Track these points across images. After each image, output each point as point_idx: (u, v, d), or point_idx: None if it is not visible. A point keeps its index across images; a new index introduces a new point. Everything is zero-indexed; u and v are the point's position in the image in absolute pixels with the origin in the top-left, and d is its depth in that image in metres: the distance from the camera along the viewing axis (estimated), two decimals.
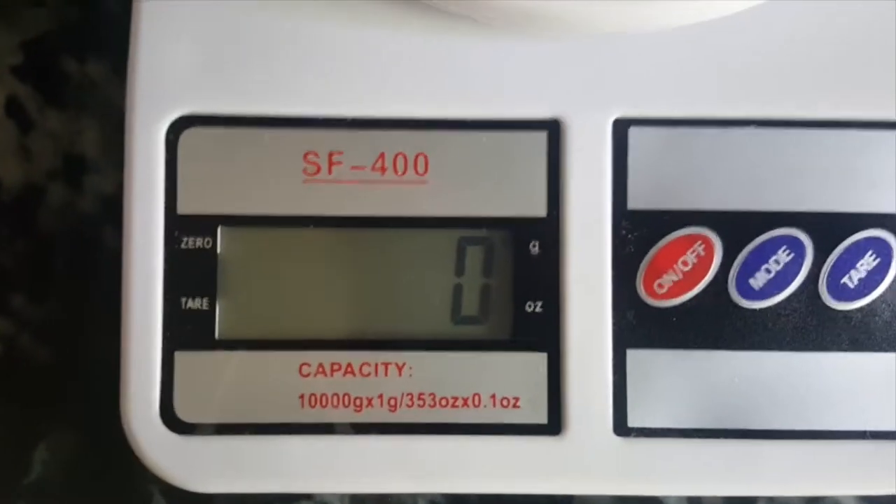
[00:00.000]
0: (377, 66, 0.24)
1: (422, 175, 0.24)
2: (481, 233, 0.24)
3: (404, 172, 0.24)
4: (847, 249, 0.23)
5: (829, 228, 0.23)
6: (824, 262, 0.23)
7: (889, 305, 0.23)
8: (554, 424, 0.23)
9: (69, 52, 0.29)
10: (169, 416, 0.23)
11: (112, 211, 0.26)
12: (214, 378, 0.23)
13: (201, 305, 0.23)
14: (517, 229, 0.24)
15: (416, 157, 0.24)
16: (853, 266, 0.23)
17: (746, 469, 0.23)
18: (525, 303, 0.23)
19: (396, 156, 0.24)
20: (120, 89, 0.24)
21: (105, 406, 0.24)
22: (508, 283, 0.23)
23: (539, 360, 0.23)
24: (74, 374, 0.28)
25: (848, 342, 0.23)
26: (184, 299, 0.23)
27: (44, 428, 0.28)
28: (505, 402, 0.23)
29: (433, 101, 0.24)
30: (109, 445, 0.26)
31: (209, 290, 0.23)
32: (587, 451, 0.23)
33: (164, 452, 0.23)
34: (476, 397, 0.23)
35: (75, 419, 0.28)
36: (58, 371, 0.28)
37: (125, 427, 0.23)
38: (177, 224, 0.23)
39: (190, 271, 0.23)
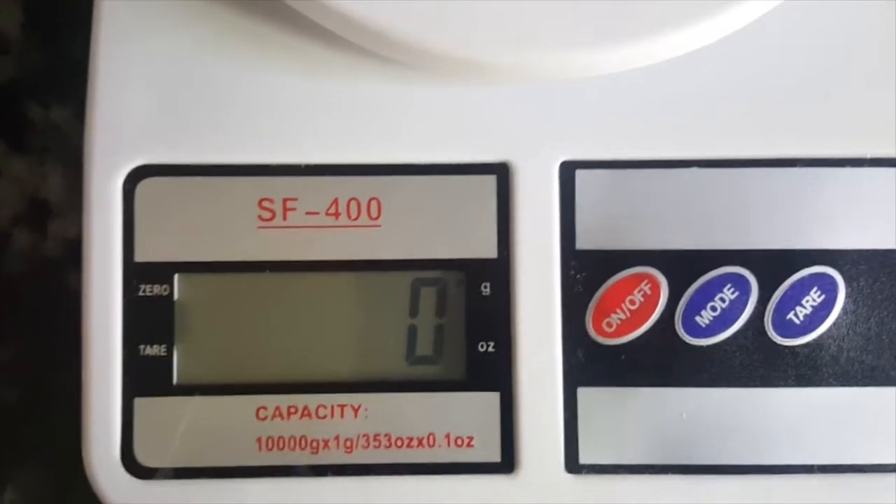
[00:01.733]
0: (330, 114, 0.24)
1: (375, 219, 0.24)
2: (435, 274, 0.24)
3: (358, 217, 0.24)
4: (792, 286, 0.24)
5: (773, 266, 0.24)
6: (769, 298, 0.24)
7: (835, 341, 0.24)
8: (507, 463, 0.23)
9: (33, 99, 0.29)
10: (129, 461, 0.23)
11: (76, 254, 0.26)
12: (173, 423, 0.23)
13: (159, 352, 0.24)
14: (469, 270, 0.24)
15: (370, 201, 0.24)
16: (798, 302, 0.24)
17: (695, 503, 0.24)
18: (478, 343, 0.24)
19: (350, 201, 0.24)
20: (83, 135, 0.25)
21: (72, 447, 0.24)
22: (461, 324, 0.24)
23: (492, 399, 0.24)
24: (41, 415, 0.28)
25: (794, 378, 0.24)
26: (142, 346, 0.23)
27: (11, 470, 0.28)
28: (459, 442, 0.24)
29: (385, 147, 0.24)
30: (77, 487, 0.26)
31: (167, 336, 0.23)
32: (539, 488, 0.23)
33: (125, 496, 0.23)
34: (431, 437, 0.24)
35: (42, 461, 0.28)
36: (25, 412, 0.28)
37: (87, 471, 0.24)
38: (134, 272, 0.24)
39: (148, 318, 0.24)
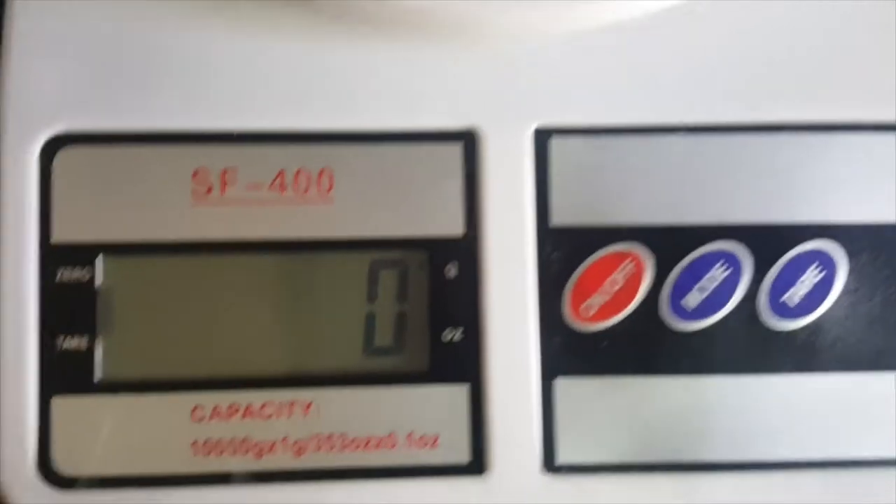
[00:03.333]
0: (275, 75, 0.22)
1: (327, 193, 0.22)
2: (394, 255, 0.22)
3: (307, 191, 0.22)
4: (788, 263, 0.22)
5: (767, 241, 0.22)
6: (763, 278, 0.22)
7: (835, 323, 0.22)
8: (477, 463, 0.21)
9: None
10: (46, 469, 0.21)
11: None
12: (96, 425, 0.21)
13: (80, 345, 0.21)
14: (433, 250, 0.22)
15: (320, 173, 0.22)
16: (795, 282, 0.22)
17: None
18: (443, 330, 0.21)
19: (298, 172, 0.22)
20: None
21: None
22: (424, 310, 0.22)
23: (459, 392, 0.21)
24: None
25: (791, 364, 0.22)
26: (60, 338, 0.21)
27: None
28: (423, 441, 0.21)
29: (337, 113, 0.22)
30: None
31: (88, 327, 0.21)
32: (514, 491, 0.21)
33: None
34: (391, 437, 0.21)
35: None
36: None
37: None
38: (51, 254, 0.21)
39: (67, 307, 0.21)
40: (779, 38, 0.22)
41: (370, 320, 0.22)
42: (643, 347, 0.21)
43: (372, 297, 0.22)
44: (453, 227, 0.22)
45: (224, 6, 0.22)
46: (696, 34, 0.22)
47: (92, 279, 0.21)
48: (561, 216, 0.22)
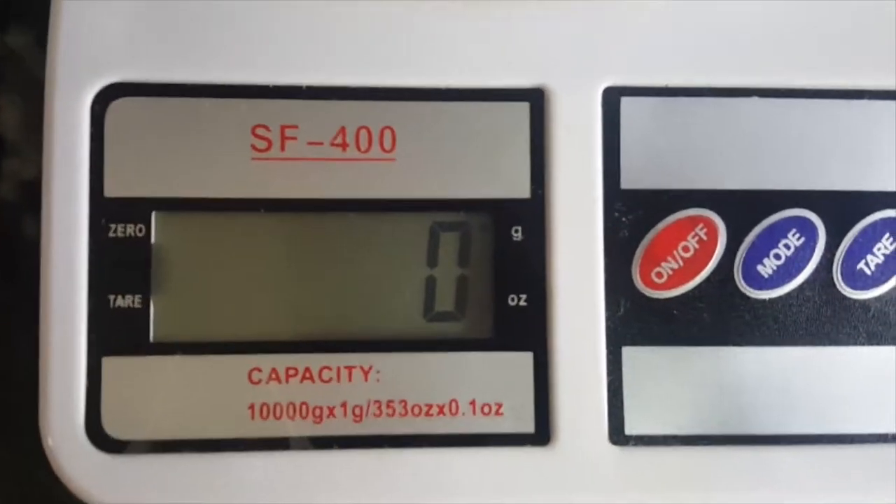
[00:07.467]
0: (338, 29, 0.21)
1: (388, 152, 0.21)
2: (457, 217, 0.21)
3: (368, 149, 0.21)
4: (863, 232, 0.21)
5: (842, 209, 0.21)
6: (838, 246, 0.21)
7: None
8: (542, 433, 0.21)
9: None
10: (96, 433, 0.20)
11: (34, 199, 0.22)
12: (149, 387, 0.20)
13: (133, 303, 0.20)
14: (497, 213, 0.21)
15: (382, 131, 0.21)
16: (870, 250, 0.21)
17: (757, 478, 0.21)
18: (507, 296, 0.21)
19: (359, 130, 0.21)
20: (45, 63, 0.21)
21: (25, 420, 0.21)
22: (488, 275, 0.21)
23: (524, 360, 0.21)
24: None
25: (865, 335, 0.21)
26: (112, 296, 0.20)
27: None
28: (486, 410, 0.21)
29: (401, 69, 0.21)
30: (29, 465, 0.22)
31: (142, 285, 0.20)
32: (580, 462, 0.20)
33: (90, 474, 0.20)
34: (453, 404, 0.21)
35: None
36: None
37: (45, 445, 0.20)
38: (104, 209, 0.20)
39: (119, 264, 0.20)
40: (860, 3, 0.21)
41: (430, 284, 0.21)
42: (715, 316, 0.21)
43: (432, 260, 0.21)
44: (519, 188, 0.21)
45: None
46: None
47: (146, 236, 0.20)
48: (631, 179, 0.21)
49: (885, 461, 0.21)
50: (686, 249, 0.21)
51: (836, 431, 0.21)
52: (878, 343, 0.21)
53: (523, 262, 0.21)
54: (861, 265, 0.21)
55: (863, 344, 0.21)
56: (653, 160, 0.21)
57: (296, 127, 0.21)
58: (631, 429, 0.21)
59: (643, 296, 0.21)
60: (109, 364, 0.20)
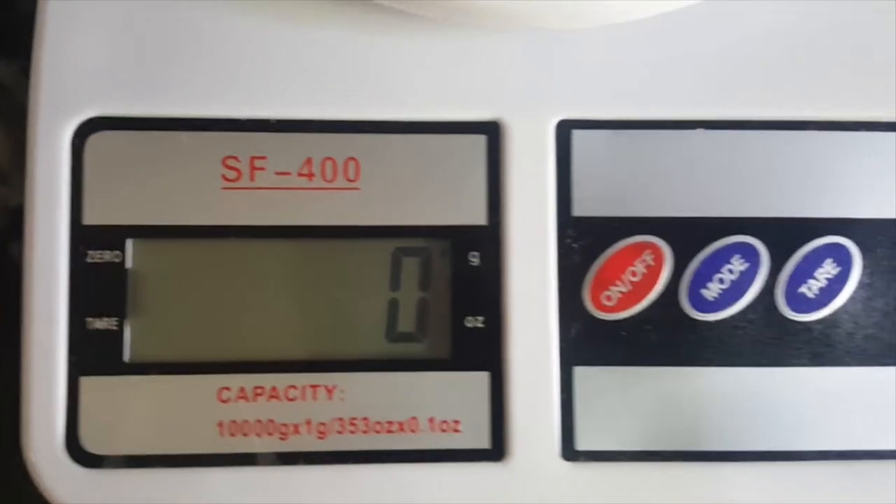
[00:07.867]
0: (304, 65, 0.22)
1: (353, 181, 0.22)
2: (418, 243, 0.22)
3: (333, 178, 0.22)
4: (805, 257, 0.22)
5: (784, 235, 0.22)
6: (781, 270, 0.22)
7: (850, 316, 0.22)
8: (497, 449, 0.21)
9: None
10: (74, 448, 0.21)
11: (20, 224, 0.24)
12: (124, 405, 0.21)
13: (109, 325, 0.21)
14: (456, 239, 0.22)
15: (347, 162, 0.22)
16: (812, 275, 0.22)
17: (704, 494, 0.21)
18: (465, 318, 0.22)
19: (325, 160, 0.22)
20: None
21: (8, 435, 0.22)
22: (447, 298, 0.22)
23: (480, 379, 0.22)
24: None
25: (808, 356, 0.22)
26: (90, 319, 0.21)
27: None
28: (444, 427, 0.22)
29: (364, 103, 0.22)
30: (13, 478, 0.24)
31: (118, 308, 0.21)
32: (533, 477, 0.21)
33: (69, 487, 0.21)
34: (413, 421, 0.22)
35: None
36: None
37: (27, 460, 0.21)
38: (82, 236, 0.21)
39: (97, 288, 0.21)
40: (799, 35, 0.22)
41: (393, 306, 0.22)
42: (662, 337, 0.22)
43: (395, 284, 0.22)
44: (476, 216, 0.22)
45: None
46: (718, 31, 0.22)
47: (122, 261, 0.21)
48: (582, 207, 0.22)
49: (829, 477, 0.22)
50: (634, 274, 0.22)
51: (782, 448, 0.22)
52: (822, 364, 0.22)
53: (480, 286, 0.22)
54: (803, 289, 0.22)
55: (806, 365, 0.22)
56: (603, 189, 0.22)
57: (264, 158, 0.22)
58: (582, 445, 0.22)
59: (594, 318, 0.22)
60: (87, 383, 0.21)
